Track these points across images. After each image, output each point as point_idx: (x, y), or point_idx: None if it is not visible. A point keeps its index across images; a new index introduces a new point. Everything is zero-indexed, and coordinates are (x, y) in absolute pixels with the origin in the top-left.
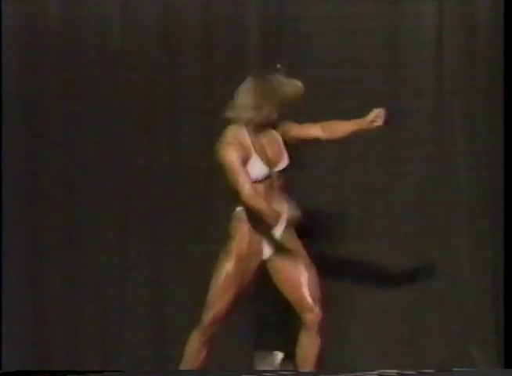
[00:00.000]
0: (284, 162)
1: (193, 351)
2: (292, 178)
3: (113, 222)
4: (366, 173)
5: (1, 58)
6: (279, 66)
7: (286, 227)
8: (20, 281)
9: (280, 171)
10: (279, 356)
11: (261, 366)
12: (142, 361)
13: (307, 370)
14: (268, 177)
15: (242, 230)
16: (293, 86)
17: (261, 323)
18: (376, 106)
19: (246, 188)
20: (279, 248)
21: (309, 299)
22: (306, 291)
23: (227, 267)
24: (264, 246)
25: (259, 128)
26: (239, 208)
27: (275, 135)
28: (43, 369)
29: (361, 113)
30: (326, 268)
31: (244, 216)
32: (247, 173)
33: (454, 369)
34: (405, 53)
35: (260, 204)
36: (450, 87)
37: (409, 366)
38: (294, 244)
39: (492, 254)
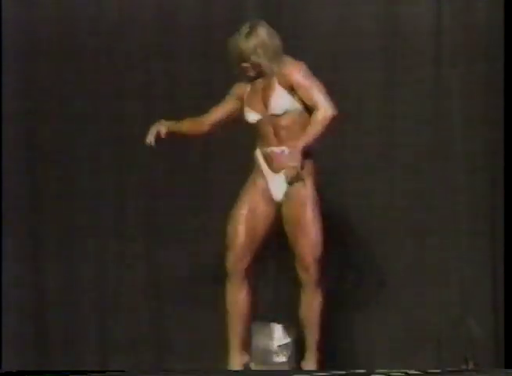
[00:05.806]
0: (277, 107)
1: (232, 297)
2: None
3: (112, 222)
4: (365, 174)
5: (1, 57)
6: None
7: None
8: (20, 281)
9: (278, 115)
10: (276, 327)
11: (258, 338)
12: (142, 361)
13: (308, 330)
14: (260, 121)
15: (254, 173)
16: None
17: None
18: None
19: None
20: (289, 192)
21: (307, 257)
22: (306, 248)
23: (239, 209)
24: (274, 188)
25: (258, 75)
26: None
27: (273, 83)
28: (43, 369)
29: (360, 110)
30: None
31: (257, 159)
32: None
33: (454, 369)
34: (405, 53)
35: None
36: (450, 87)
37: (407, 365)
38: (303, 197)
39: (491, 255)
